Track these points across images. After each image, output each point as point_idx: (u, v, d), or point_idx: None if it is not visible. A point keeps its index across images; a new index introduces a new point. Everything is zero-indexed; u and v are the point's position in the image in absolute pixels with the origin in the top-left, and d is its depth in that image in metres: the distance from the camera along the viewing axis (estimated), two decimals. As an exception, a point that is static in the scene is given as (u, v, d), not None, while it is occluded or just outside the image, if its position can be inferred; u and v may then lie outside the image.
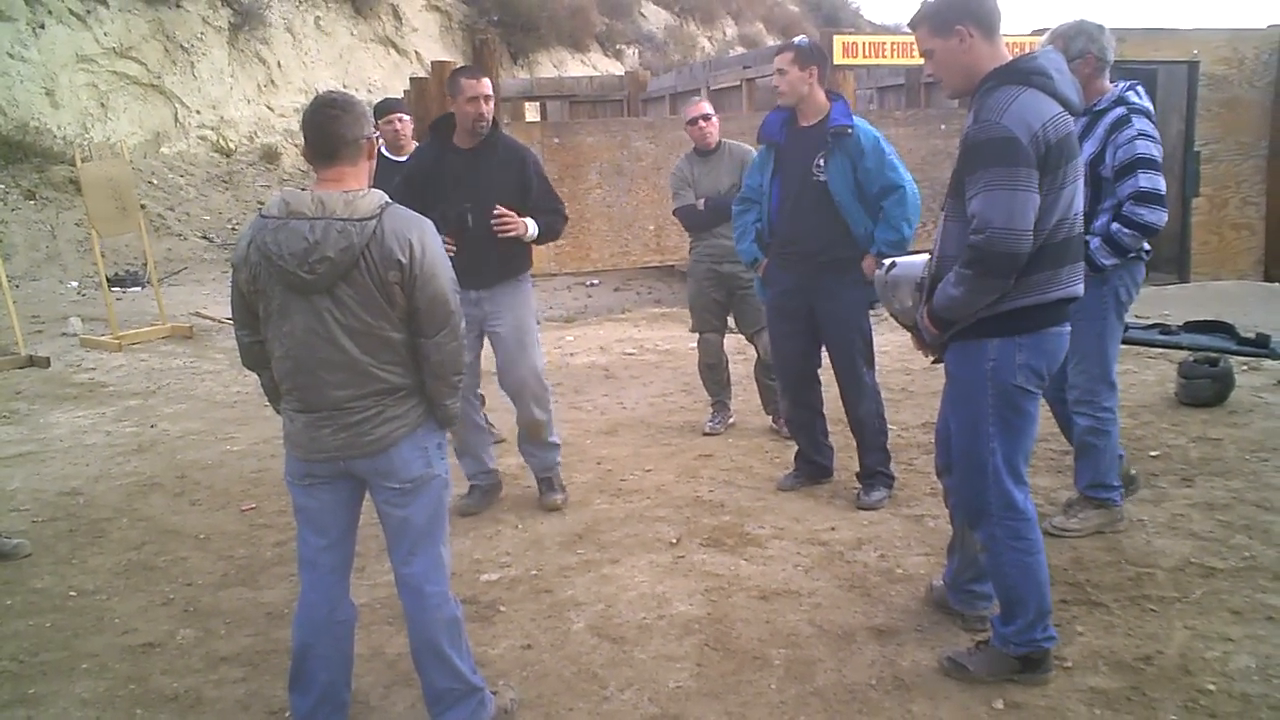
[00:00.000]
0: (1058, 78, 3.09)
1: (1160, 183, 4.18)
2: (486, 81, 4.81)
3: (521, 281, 5.02)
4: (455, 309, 2.95)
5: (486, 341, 5.04)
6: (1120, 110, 4.24)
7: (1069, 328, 3.25)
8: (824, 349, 5.12)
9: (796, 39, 5.11)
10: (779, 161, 5.01)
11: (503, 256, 4.85)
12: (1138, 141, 4.17)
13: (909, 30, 3.34)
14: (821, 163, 4.79)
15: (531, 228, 4.85)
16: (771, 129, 5.01)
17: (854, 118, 4.83)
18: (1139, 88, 4.39)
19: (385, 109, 6.26)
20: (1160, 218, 4.18)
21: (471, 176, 4.78)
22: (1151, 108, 4.37)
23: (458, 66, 5.21)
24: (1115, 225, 4.18)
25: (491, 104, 4.79)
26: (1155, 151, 4.20)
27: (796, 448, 5.36)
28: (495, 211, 4.71)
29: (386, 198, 2.86)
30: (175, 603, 4.27)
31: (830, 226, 4.83)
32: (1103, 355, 4.39)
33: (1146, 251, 4.41)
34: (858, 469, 5.08)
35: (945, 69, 3.22)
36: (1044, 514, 4.60)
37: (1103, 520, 4.48)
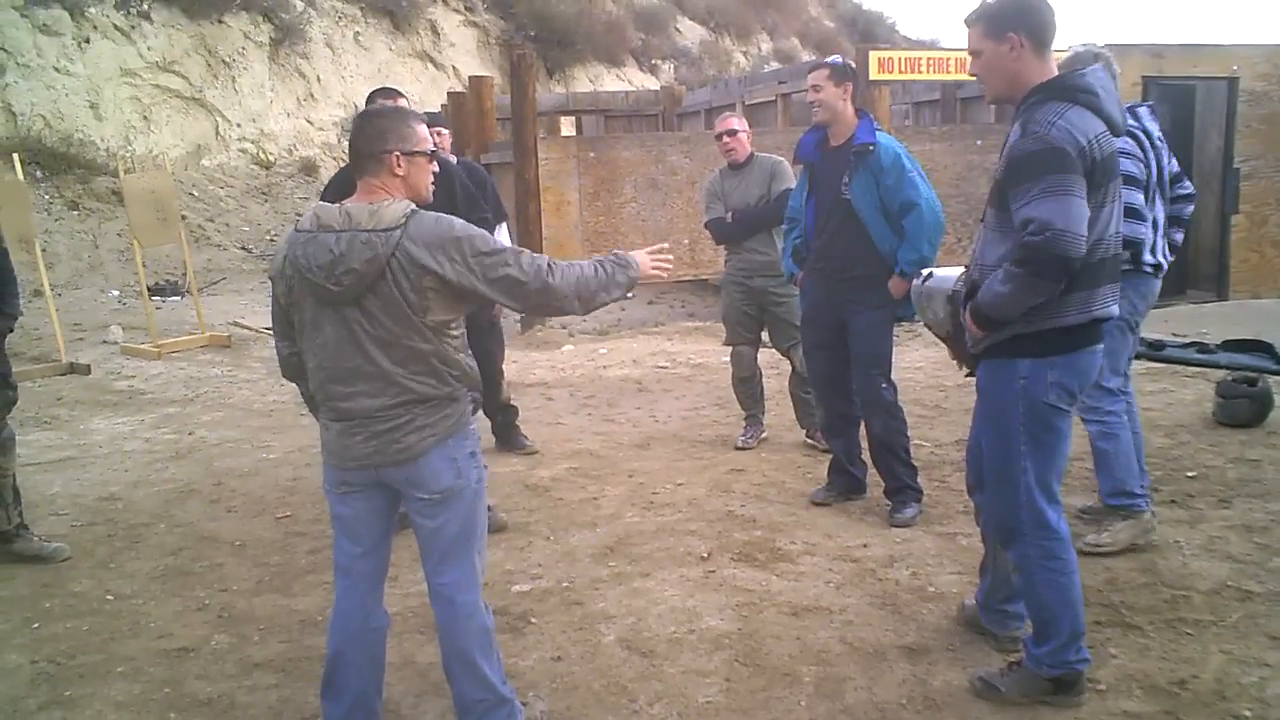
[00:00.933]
0: (1104, 96, 3.08)
1: (1133, 197, 4.27)
2: (404, 103, 4.77)
3: None
4: (526, 271, 2.89)
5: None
6: None
7: (1102, 346, 3.24)
8: None
9: (830, 57, 5.14)
10: (814, 181, 5.09)
11: None
12: None
13: (965, 25, 3.31)
14: (847, 180, 4.83)
15: None
16: (807, 150, 5.08)
17: (878, 134, 4.88)
18: (1140, 109, 4.44)
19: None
20: (1134, 230, 4.30)
21: None
22: (1152, 128, 4.50)
23: (381, 88, 5.19)
24: None
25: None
26: (1132, 168, 4.29)
27: (829, 462, 5.36)
28: None
29: (413, 206, 2.85)
30: (210, 608, 4.32)
31: (857, 243, 4.89)
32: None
33: (1153, 265, 4.44)
34: (883, 486, 5.08)
35: (990, 72, 3.22)
36: (1077, 534, 4.57)
37: (1134, 531, 4.44)
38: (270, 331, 3.12)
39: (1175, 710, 3.22)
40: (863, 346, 4.97)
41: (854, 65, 5.15)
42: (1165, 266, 4.57)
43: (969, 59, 3.34)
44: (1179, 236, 4.85)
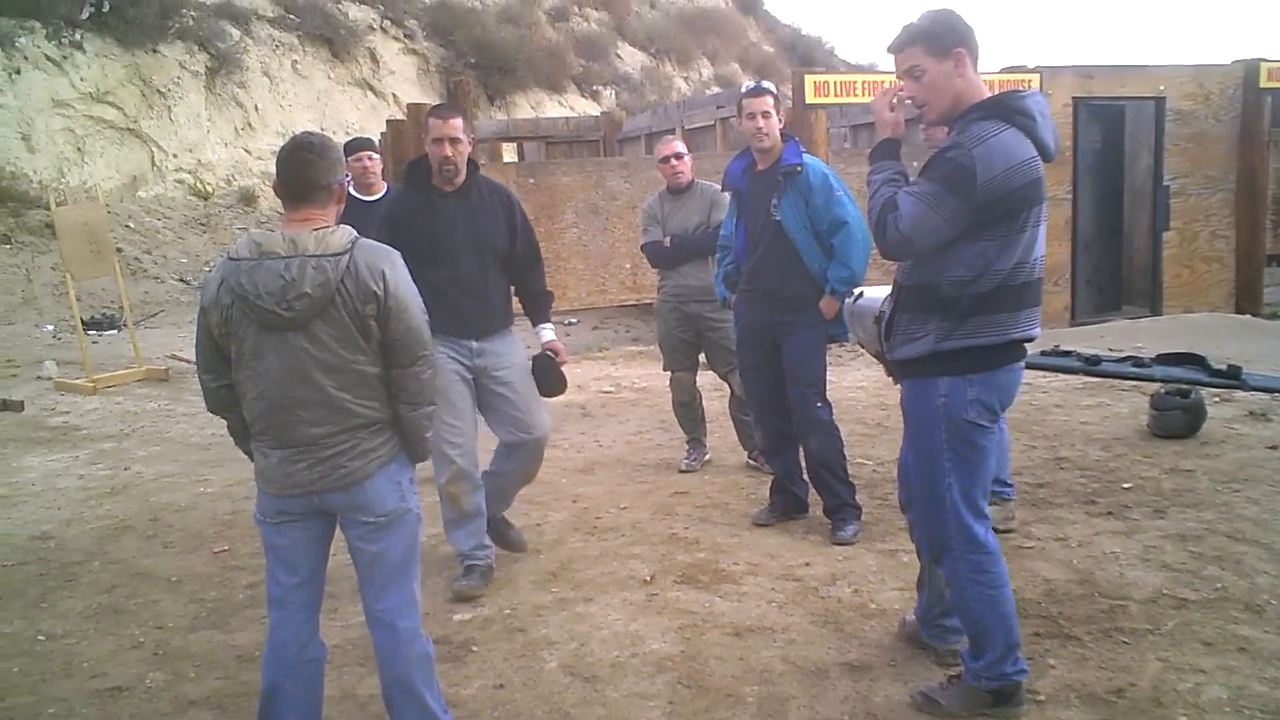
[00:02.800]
0: (1040, 121, 3.10)
1: None
2: (456, 122, 4.41)
3: (513, 330, 4.76)
4: (428, 339, 2.99)
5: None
6: None
7: (1023, 364, 3.28)
8: None
9: (764, 83, 5.20)
10: (742, 206, 5.16)
11: (498, 303, 4.65)
12: None
13: (892, 53, 3.23)
14: (776, 201, 4.89)
15: (551, 333, 4.81)
16: (734, 176, 5.16)
17: (804, 155, 4.95)
18: None
19: (355, 147, 6.29)
20: None
21: (466, 220, 4.50)
22: None
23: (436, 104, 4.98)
24: None
25: (461, 147, 4.42)
26: None
27: (771, 483, 5.38)
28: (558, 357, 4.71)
29: (355, 233, 2.90)
30: (145, 646, 4.23)
31: (788, 265, 4.95)
32: None
33: None
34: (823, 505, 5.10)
35: (935, 92, 3.17)
36: (1016, 545, 4.63)
37: (1000, 517, 4.68)
38: (196, 366, 3.08)
39: (1113, 718, 3.25)
40: (797, 366, 5.00)
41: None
42: None
43: (904, 82, 3.25)
44: None
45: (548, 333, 4.78)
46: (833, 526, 4.99)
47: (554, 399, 4.85)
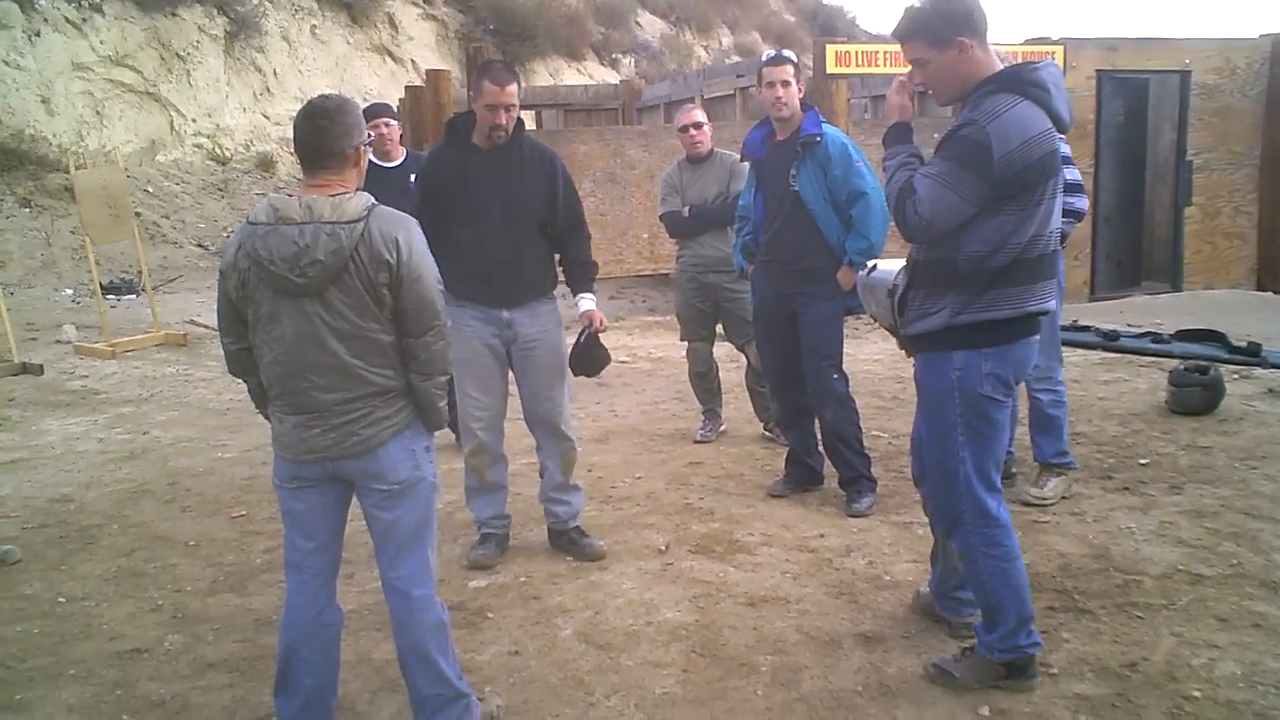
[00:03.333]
0: (1055, 92, 3.09)
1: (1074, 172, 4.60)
2: (513, 88, 4.21)
3: (552, 299, 4.59)
4: (442, 309, 2.98)
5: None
6: None
7: (1038, 337, 3.27)
8: None
9: (784, 51, 5.15)
10: (761, 176, 5.13)
11: (533, 271, 4.48)
12: None
13: (893, 41, 3.29)
14: (794, 172, 4.87)
15: (590, 303, 4.59)
16: (753, 146, 5.12)
17: (823, 125, 4.91)
18: None
19: (371, 114, 6.25)
20: (1084, 204, 4.78)
21: (500, 180, 4.33)
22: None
23: (489, 60, 4.75)
24: None
25: (513, 112, 4.25)
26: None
27: (786, 454, 5.38)
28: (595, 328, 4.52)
29: (373, 199, 2.89)
30: (164, 609, 4.27)
31: (806, 235, 4.93)
32: (1054, 334, 4.90)
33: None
34: (838, 477, 5.11)
35: (942, 80, 3.18)
36: (1032, 520, 4.63)
37: (1066, 486, 5.01)
38: (218, 329, 3.10)
39: (1126, 692, 3.26)
40: (813, 338, 4.99)
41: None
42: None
43: (911, 69, 3.25)
44: (1067, 228, 4.77)
45: (586, 302, 4.59)
46: (848, 499, 5.00)
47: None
